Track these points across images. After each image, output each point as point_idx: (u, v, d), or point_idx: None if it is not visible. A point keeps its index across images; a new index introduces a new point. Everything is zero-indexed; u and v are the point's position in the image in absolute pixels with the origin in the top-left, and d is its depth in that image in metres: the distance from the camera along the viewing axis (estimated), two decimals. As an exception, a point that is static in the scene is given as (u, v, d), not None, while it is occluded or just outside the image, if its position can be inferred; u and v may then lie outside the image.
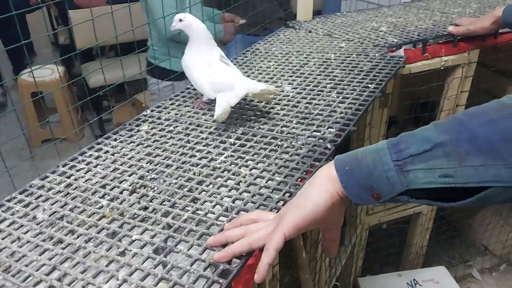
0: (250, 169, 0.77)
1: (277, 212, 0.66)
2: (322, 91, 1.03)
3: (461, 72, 1.36)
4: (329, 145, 0.81)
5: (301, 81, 1.09)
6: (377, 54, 1.20)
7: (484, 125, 0.46)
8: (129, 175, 0.78)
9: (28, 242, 0.64)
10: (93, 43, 1.00)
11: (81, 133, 3.14)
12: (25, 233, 0.65)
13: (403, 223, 1.78)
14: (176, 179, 0.76)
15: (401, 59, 1.15)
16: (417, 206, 1.62)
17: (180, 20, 0.96)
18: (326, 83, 1.06)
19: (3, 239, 0.65)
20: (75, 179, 0.78)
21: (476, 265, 2.01)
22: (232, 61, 1.01)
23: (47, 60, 4.13)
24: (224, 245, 0.60)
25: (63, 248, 0.62)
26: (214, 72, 0.93)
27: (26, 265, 0.59)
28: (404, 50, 1.25)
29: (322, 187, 0.55)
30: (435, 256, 2.04)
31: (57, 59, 3.61)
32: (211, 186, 0.74)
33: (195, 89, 1.09)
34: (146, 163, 0.81)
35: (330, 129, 0.86)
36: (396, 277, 1.69)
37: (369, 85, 1.02)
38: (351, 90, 1.01)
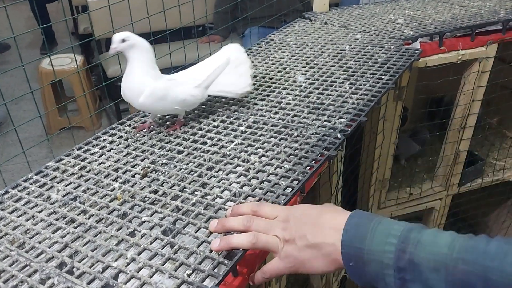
0: (260, 157, 0.78)
1: (284, 203, 0.67)
2: (335, 82, 1.03)
3: (478, 67, 1.34)
4: (339, 135, 0.81)
5: (314, 72, 1.09)
6: (392, 46, 1.19)
7: None
8: (141, 160, 0.80)
9: (42, 220, 0.66)
10: (111, 32, 1.02)
11: (98, 122, 3.19)
12: (39, 212, 0.68)
13: (416, 218, 1.77)
14: (187, 164, 0.77)
15: (416, 51, 1.14)
16: (430, 201, 1.61)
17: (123, 41, 0.80)
18: (340, 74, 1.06)
19: (18, 217, 0.67)
20: (89, 162, 0.80)
21: (490, 263, 1.99)
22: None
23: (69, 49, 4.20)
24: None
25: (75, 227, 0.63)
26: (188, 79, 0.89)
27: (39, 242, 0.61)
28: (420, 43, 1.24)
29: (329, 263, 0.56)
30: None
31: (73, 45, 3.67)
32: (220, 172, 0.75)
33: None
34: (158, 149, 0.83)
35: (341, 119, 0.87)
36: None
37: (383, 77, 1.02)
38: (364, 81, 1.01)
